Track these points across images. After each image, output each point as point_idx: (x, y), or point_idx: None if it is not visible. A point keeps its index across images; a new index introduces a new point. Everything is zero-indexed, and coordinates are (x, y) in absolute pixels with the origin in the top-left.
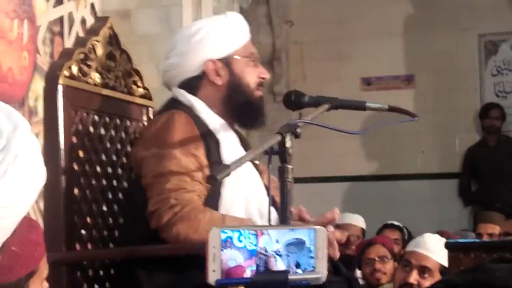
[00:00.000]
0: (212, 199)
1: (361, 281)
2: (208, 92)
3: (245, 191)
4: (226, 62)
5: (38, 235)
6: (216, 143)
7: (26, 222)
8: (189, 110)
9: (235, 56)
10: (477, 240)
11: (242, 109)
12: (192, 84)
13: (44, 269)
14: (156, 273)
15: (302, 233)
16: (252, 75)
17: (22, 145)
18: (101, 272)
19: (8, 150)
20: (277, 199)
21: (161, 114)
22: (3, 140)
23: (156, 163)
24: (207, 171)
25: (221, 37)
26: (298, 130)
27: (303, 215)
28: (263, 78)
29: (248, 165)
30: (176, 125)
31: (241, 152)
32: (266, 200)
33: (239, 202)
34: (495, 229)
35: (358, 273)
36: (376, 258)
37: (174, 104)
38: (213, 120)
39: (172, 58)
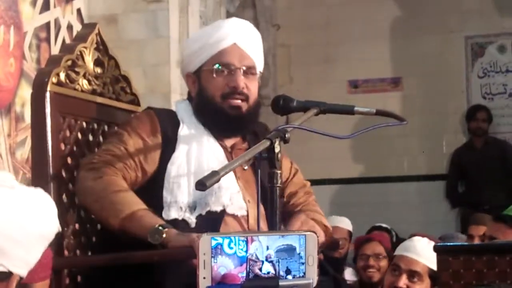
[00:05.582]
0: (159, 173)
1: (353, 277)
2: (194, 103)
3: (195, 170)
4: (198, 74)
5: (46, 255)
6: (172, 150)
7: None
8: (171, 113)
9: (204, 68)
10: (466, 243)
11: (207, 118)
12: (189, 96)
13: None
14: (146, 278)
15: (292, 239)
16: (217, 85)
17: (47, 196)
18: (90, 279)
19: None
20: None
21: None
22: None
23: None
24: (151, 161)
25: (195, 49)
26: (287, 135)
27: None
28: (234, 87)
29: (216, 148)
30: (138, 118)
31: (206, 162)
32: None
33: (184, 180)
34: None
35: (346, 275)
36: (371, 255)
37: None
38: (186, 128)
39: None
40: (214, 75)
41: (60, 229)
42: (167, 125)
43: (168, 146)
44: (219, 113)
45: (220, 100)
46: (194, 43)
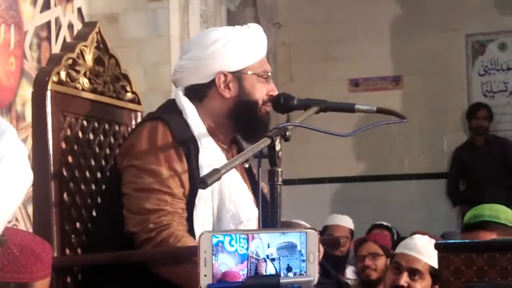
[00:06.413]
0: (188, 208)
1: (354, 276)
2: (214, 102)
3: (217, 199)
4: (238, 76)
5: (46, 254)
6: (196, 149)
7: (39, 240)
8: (176, 116)
9: (248, 72)
10: (467, 241)
11: (247, 125)
12: (200, 91)
13: None
14: (148, 278)
15: (293, 237)
16: (262, 92)
17: (8, 147)
18: (91, 277)
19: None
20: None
21: (148, 120)
22: None
23: (138, 176)
24: (186, 179)
25: (237, 50)
26: (288, 133)
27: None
28: (272, 96)
29: (232, 173)
30: (159, 139)
31: (221, 161)
32: (245, 205)
33: (209, 212)
34: None
35: (348, 273)
36: (367, 255)
37: (169, 106)
38: (199, 127)
39: (185, 61)
40: (260, 82)
41: (32, 176)
42: (186, 144)
43: (193, 171)
44: (259, 119)
45: (261, 106)
46: (237, 40)
